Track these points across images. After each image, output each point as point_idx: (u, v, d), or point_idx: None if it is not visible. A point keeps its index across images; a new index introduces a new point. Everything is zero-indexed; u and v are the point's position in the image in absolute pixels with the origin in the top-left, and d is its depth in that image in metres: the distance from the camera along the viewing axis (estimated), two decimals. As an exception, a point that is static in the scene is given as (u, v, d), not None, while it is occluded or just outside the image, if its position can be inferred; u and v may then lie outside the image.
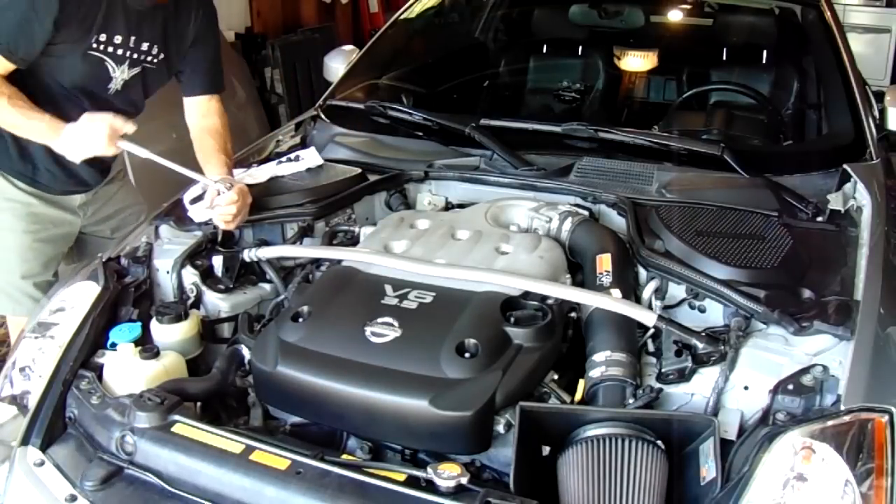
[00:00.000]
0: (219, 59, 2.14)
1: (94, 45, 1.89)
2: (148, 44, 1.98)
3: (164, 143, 2.16)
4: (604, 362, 1.43)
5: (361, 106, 2.45)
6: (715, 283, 1.52)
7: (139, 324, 1.64)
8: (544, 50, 3.44)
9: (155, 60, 2.02)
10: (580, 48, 3.38)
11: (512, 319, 1.45)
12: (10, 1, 1.76)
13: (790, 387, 1.31)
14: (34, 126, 1.85)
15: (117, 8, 1.87)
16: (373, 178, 2.09)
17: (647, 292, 1.63)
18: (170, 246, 1.86)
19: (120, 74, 1.97)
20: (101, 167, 2.18)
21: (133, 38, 1.94)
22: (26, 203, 2.08)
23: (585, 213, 1.88)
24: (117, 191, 2.32)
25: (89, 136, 1.81)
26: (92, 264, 1.81)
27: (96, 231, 2.30)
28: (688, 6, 3.48)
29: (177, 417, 1.39)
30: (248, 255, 1.81)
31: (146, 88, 2.10)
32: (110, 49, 1.91)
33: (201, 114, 2.10)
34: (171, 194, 2.05)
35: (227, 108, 2.20)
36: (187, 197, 1.95)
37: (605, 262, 1.64)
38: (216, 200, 1.82)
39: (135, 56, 1.98)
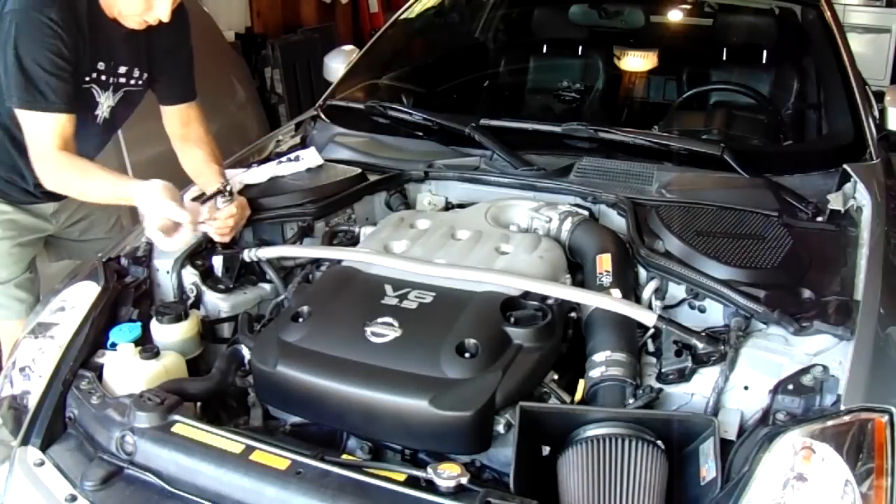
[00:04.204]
0: (192, 66, 2.10)
1: (84, 76, 1.87)
2: (127, 67, 1.96)
3: (163, 144, 2.14)
4: (604, 362, 1.43)
5: (361, 106, 2.45)
6: (715, 283, 1.52)
7: (139, 324, 1.64)
8: (544, 50, 3.44)
9: (139, 82, 2.01)
10: (580, 48, 3.38)
11: (512, 319, 1.45)
12: (22, 59, 1.73)
13: (790, 387, 1.31)
14: (115, 192, 1.78)
15: (100, 35, 1.85)
16: (373, 178, 2.09)
17: (647, 292, 1.63)
18: (170, 246, 1.86)
19: (105, 101, 1.96)
20: None
21: (113, 64, 1.93)
22: (1, 211, 2.08)
23: (585, 213, 1.88)
24: None
25: (149, 219, 1.70)
26: (92, 264, 1.81)
27: (65, 234, 2.29)
28: (688, 6, 3.49)
29: (177, 417, 1.39)
30: (248, 255, 1.81)
31: (129, 110, 2.08)
32: (94, 75, 1.90)
33: (182, 122, 2.07)
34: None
35: (227, 108, 2.20)
36: (187, 197, 1.95)
37: (605, 262, 1.64)
38: (217, 214, 1.79)
39: (118, 80, 1.96)
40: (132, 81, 2.00)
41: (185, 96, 2.08)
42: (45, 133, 1.78)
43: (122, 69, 1.96)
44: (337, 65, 2.94)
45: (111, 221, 2.38)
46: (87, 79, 1.89)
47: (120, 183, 1.80)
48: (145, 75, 2.02)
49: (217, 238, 1.84)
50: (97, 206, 2.33)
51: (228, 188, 1.84)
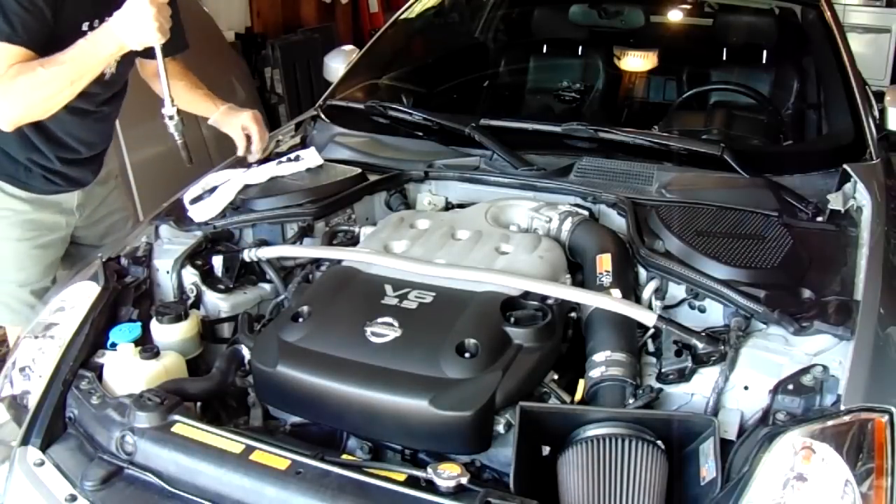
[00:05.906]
0: (178, 18, 2.01)
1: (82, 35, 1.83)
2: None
3: (164, 143, 2.15)
4: (604, 362, 1.43)
5: (361, 106, 2.45)
6: (715, 283, 1.52)
7: (139, 324, 1.64)
8: (544, 50, 3.45)
9: None
10: (580, 48, 3.38)
11: (512, 319, 1.45)
12: None
13: (790, 387, 1.31)
14: (83, 58, 1.75)
15: None
16: (373, 178, 2.09)
17: (647, 292, 1.63)
18: (170, 246, 1.86)
19: None
20: (92, 166, 2.16)
21: (105, 17, 1.86)
22: (20, 211, 2.05)
23: (585, 213, 1.88)
24: (108, 193, 2.30)
25: (140, 27, 1.73)
26: (92, 264, 1.81)
27: (86, 236, 2.27)
28: (688, 6, 3.49)
29: (177, 417, 1.39)
30: (248, 255, 1.81)
31: (126, 66, 2.03)
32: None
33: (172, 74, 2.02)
34: (171, 194, 2.05)
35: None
36: (187, 197, 1.95)
37: (605, 262, 1.64)
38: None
39: None
40: None
41: (172, 50, 2.01)
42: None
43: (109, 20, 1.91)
44: (337, 65, 2.94)
45: (127, 226, 2.36)
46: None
47: (90, 36, 1.76)
48: None
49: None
50: (116, 208, 2.33)
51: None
